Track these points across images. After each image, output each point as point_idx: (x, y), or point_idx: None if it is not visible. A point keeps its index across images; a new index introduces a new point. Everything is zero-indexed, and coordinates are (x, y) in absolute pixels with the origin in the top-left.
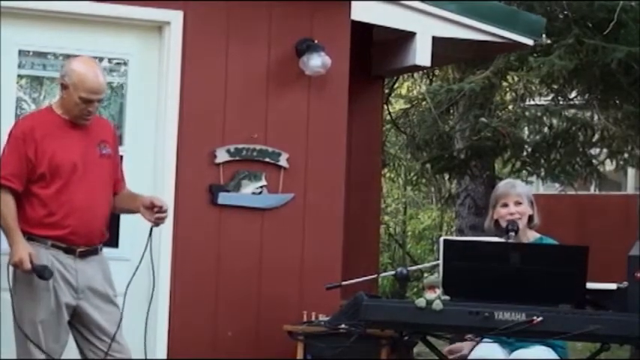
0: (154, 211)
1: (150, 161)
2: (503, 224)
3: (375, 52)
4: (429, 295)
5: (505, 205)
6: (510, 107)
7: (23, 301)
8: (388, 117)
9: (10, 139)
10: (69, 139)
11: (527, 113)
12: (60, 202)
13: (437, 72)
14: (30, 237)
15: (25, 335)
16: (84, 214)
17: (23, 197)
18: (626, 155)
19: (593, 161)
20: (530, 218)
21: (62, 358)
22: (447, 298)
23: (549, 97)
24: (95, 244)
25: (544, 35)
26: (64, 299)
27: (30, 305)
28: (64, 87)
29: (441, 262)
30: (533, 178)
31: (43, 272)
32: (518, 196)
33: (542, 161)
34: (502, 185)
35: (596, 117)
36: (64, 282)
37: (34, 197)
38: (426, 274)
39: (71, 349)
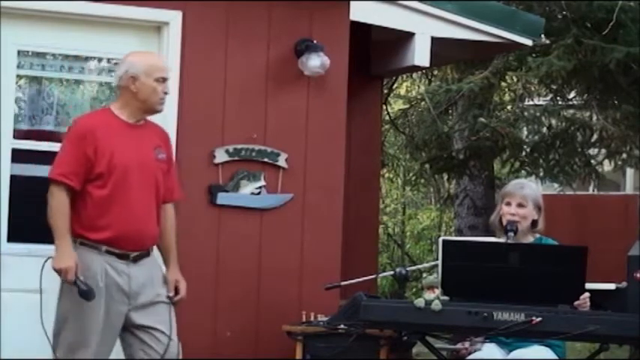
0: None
1: None
2: (504, 222)
3: (374, 52)
4: (428, 295)
5: (508, 204)
6: (509, 107)
7: (70, 304)
8: (387, 117)
9: (70, 136)
10: (128, 141)
11: (525, 113)
12: (115, 203)
13: (436, 72)
14: (83, 241)
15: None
16: (139, 217)
17: (78, 197)
18: (624, 155)
19: (592, 161)
20: (534, 223)
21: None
22: (446, 298)
23: (548, 98)
24: (147, 248)
25: (543, 35)
26: (115, 306)
27: (77, 309)
28: (132, 80)
29: (440, 262)
30: (532, 178)
31: (87, 294)
32: (522, 198)
33: (541, 161)
34: (512, 183)
35: (594, 117)
36: (116, 289)
37: (89, 197)
38: (425, 275)
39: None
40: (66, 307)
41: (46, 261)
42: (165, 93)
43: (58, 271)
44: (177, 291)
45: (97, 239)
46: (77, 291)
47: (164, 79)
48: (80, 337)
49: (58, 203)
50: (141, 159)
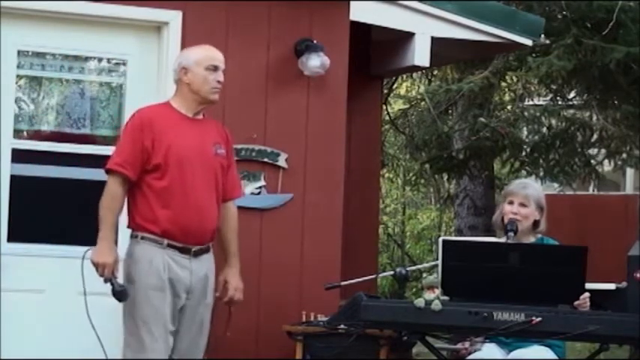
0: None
1: None
2: (505, 221)
3: (374, 52)
4: (428, 295)
5: (510, 203)
6: (509, 107)
7: (135, 299)
8: (387, 117)
9: (128, 128)
10: (186, 133)
11: (525, 113)
12: (174, 195)
13: (436, 72)
14: (144, 235)
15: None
16: (198, 210)
17: (137, 189)
18: (624, 155)
19: (592, 161)
20: (536, 223)
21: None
22: (446, 298)
23: (548, 97)
24: (207, 242)
25: (543, 35)
26: (176, 300)
27: (141, 304)
28: (184, 72)
29: (439, 262)
30: (532, 178)
31: (120, 295)
32: (525, 198)
33: (541, 161)
34: (515, 183)
35: (594, 117)
36: (179, 282)
37: (149, 189)
38: (425, 275)
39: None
40: (133, 303)
41: (86, 252)
42: (219, 82)
43: (95, 265)
44: (223, 292)
45: (158, 232)
46: (111, 290)
47: (215, 68)
48: (149, 332)
49: (111, 195)
50: (199, 152)
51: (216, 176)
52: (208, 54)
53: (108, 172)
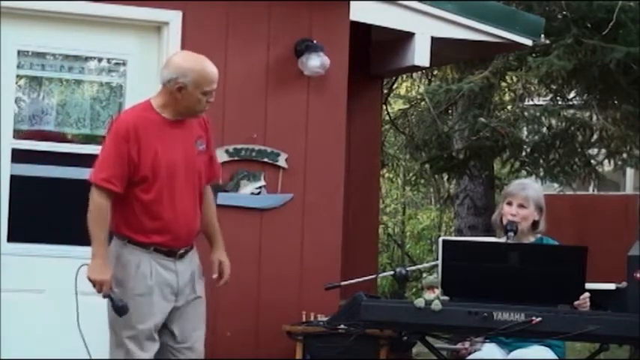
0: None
1: None
2: (504, 222)
3: (374, 52)
4: (428, 295)
5: (509, 204)
6: (509, 107)
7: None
8: (387, 117)
9: (111, 136)
10: (170, 139)
11: (526, 113)
12: (163, 206)
13: (436, 72)
14: (130, 240)
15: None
16: (186, 217)
17: (124, 200)
18: (624, 155)
19: (592, 161)
20: (535, 223)
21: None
22: (446, 298)
23: (548, 97)
24: (192, 243)
25: (543, 35)
26: (164, 304)
27: (136, 309)
28: (178, 89)
29: (440, 262)
30: (532, 178)
31: (121, 310)
32: (524, 199)
33: (541, 161)
34: (515, 183)
35: (594, 117)
36: (166, 286)
37: (136, 201)
38: (425, 275)
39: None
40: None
41: (80, 267)
42: (209, 102)
43: (92, 282)
44: (221, 273)
45: (147, 242)
46: (111, 305)
47: (210, 92)
48: (135, 338)
49: (99, 210)
50: (183, 157)
51: (199, 177)
52: (208, 77)
53: (93, 185)
